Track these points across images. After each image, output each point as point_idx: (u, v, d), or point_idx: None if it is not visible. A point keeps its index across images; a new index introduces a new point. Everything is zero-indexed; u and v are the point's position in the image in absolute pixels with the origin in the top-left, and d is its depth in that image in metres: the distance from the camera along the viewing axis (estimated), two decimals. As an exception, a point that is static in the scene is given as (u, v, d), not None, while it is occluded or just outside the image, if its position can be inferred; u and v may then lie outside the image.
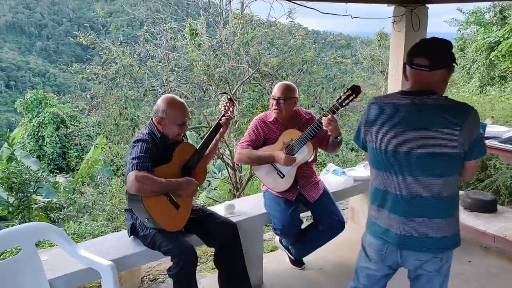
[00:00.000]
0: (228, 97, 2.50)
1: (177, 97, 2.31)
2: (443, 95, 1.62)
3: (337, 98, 2.57)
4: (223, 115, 2.44)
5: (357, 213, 3.63)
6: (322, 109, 2.59)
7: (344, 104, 2.54)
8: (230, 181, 5.65)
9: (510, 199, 4.23)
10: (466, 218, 3.18)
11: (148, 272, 3.17)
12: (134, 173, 2.00)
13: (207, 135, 2.43)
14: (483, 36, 12.31)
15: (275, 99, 2.61)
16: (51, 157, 14.92)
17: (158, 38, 5.21)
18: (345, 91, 2.54)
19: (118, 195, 5.27)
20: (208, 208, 2.58)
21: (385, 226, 1.67)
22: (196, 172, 2.32)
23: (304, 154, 2.61)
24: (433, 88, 1.57)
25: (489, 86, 11.33)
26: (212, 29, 6.32)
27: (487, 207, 3.30)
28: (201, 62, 4.74)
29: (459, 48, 13.73)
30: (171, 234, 2.17)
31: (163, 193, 2.13)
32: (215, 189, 8.27)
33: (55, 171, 12.70)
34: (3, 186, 5.66)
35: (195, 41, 5.42)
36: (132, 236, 2.32)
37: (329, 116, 2.48)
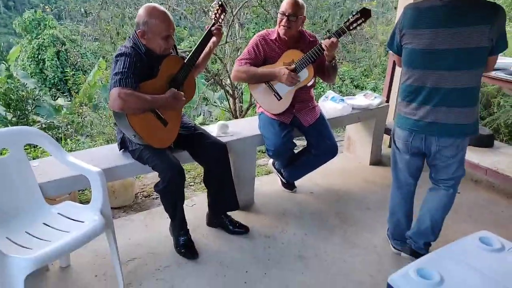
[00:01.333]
0: (219, 2, 2.28)
1: (159, 6, 2.08)
2: None
3: (345, 21, 2.43)
4: (213, 24, 2.26)
5: (353, 142, 3.62)
6: (328, 31, 2.46)
7: (351, 27, 2.41)
8: (229, 109, 5.59)
9: (509, 137, 4.20)
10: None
11: (142, 189, 3.25)
12: (117, 90, 1.88)
13: (196, 46, 2.25)
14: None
15: (285, 15, 2.43)
16: (52, 81, 14.75)
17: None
18: (353, 13, 2.41)
19: (116, 117, 5.25)
20: (200, 127, 2.54)
21: (414, 117, 1.94)
22: (185, 86, 2.20)
23: (304, 77, 2.52)
24: None
25: None
26: None
27: (484, 141, 3.27)
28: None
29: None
30: (158, 150, 2.13)
31: (148, 109, 2.04)
32: (216, 119, 8.27)
33: (57, 96, 12.61)
34: (1, 103, 5.62)
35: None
36: (122, 149, 2.32)
37: (334, 38, 2.35)
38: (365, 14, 2.36)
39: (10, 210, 1.86)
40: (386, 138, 3.76)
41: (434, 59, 1.82)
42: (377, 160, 3.56)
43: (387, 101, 3.51)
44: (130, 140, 2.19)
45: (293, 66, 2.48)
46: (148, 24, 2.01)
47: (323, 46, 2.37)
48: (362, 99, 3.33)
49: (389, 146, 3.84)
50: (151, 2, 4.61)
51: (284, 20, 2.45)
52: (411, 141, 2.01)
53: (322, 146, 2.64)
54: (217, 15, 2.27)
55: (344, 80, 7.63)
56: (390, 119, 3.67)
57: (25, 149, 1.97)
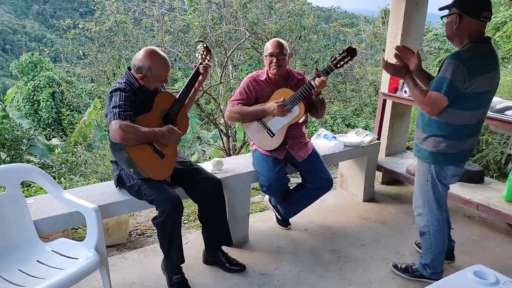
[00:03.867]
0: (204, 45, 2.46)
1: (160, 52, 2.20)
2: None
3: (332, 59, 2.59)
4: (201, 63, 2.40)
5: (346, 179, 3.66)
6: (316, 69, 2.60)
7: (338, 65, 2.58)
8: (223, 148, 5.65)
9: (498, 174, 4.26)
10: (452, 187, 3.19)
11: (136, 227, 3.22)
12: (117, 122, 1.96)
13: (185, 84, 2.39)
14: (489, 16, 11.98)
15: (273, 56, 2.57)
16: (46, 121, 14.85)
17: (154, -3, 5.07)
18: (340, 52, 2.56)
19: (111, 156, 5.28)
20: (195, 163, 2.58)
21: (468, 149, 2.15)
22: (178, 121, 2.30)
23: (295, 114, 2.61)
24: None
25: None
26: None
27: (474, 178, 3.31)
28: (197, 24, 4.65)
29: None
30: (157, 184, 2.17)
31: (146, 142, 2.11)
32: (210, 158, 8.32)
33: (51, 136, 12.63)
34: (-4, 142, 5.65)
35: (192, 3, 5.29)
36: (118, 187, 2.33)
37: (323, 77, 2.48)
38: (351, 52, 2.52)
39: (3, 247, 1.84)
40: (379, 174, 3.81)
41: (489, 97, 2.09)
42: (370, 197, 3.59)
43: (378, 138, 3.60)
44: (127, 176, 2.22)
45: (284, 103, 2.58)
46: (151, 71, 2.12)
47: (313, 84, 2.48)
48: (354, 137, 3.41)
49: (382, 183, 3.89)
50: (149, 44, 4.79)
51: (274, 61, 2.58)
52: (460, 171, 2.23)
53: (317, 180, 2.68)
54: (203, 56, 2.43)
55: (336, 119, 7.80)
56: (381, 156, 3.75)
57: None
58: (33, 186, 3.72)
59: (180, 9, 5.08)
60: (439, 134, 2.11)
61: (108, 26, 4.73)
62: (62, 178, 4.73)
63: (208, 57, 2.45)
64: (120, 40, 4.78)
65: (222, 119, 5.47)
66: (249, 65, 5.57)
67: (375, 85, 6.19)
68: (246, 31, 4.68)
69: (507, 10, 11.80)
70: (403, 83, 3.42)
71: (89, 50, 4.93)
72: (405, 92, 3.34)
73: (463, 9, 1.95)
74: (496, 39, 11.79)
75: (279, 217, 3.00)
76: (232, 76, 5.28)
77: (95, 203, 2.03)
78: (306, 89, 2.52)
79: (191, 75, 2.40)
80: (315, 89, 2.51)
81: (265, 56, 2.64)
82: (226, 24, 4.90)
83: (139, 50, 4.70)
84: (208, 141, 8.76)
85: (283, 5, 5.10)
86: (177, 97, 2.31)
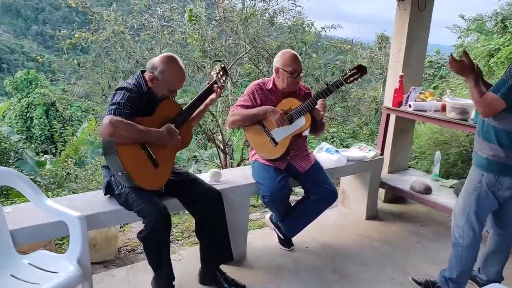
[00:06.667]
0: (222, 65, 2.37)
1: (180, 62, 2.11)
2: None
3: (343, 74, 2.54)
4: (215, 82, 2.30)
5: (347, 196, 3.50)
6: (327, 83, 2.52)
7: (348, 81, 2.51)
8: (220, 165, 5.49)
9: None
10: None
11: (126, 243, 3.02)
12: (109, 117, 1.83)
13: (195, 98, 2.27)
14: (483, 43, 12.23)
15: (297, 73, 2.47)
16: (39, 139, 14.57)
17: (153, 9, 4.98)
18: (351, 68, 2.52)
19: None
20: (193, 174, 2.43)
21: None
22: (182, 132, 2.13)
23: (301, 124, 2.50)
24: None
25: (487, 93, 11.30)
26: (212, 11, 6.11)
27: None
28: (197, 36, 4.56)
29: (459, 55, 13.63)
30: (145, 194, 2.00)
31: (140, 141, 1.96)
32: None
33: (41, 151, 12.35)
34: (-18, 155, 5.43)
35: (192, 19, 5.22)
36: (108, 195, 2.16)
37: (322, 100, 2.44)
38: (361, 70, 2.47)
39: (-26, 258, 1.65)
40: (381, 192, 3.66)
41: None
42: (373, 215, 3.42)
43: (381, 154, 3.46)
44: (116, 183, 2.06)
45: (290, 115, 2.48)
46: (165, 74, 2.03)
47: (318, 106, 2.43)
48: (357, 151, 3.27)
49: (385, 201, 3.73)
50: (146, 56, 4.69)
51: (297, 78, 2.50)
52: None
53: (321, 191, 2.55)
54: (219, 76, 2.33)
55: (334, 140, 7.69)
56: (384, 173, 3.61)
57: None
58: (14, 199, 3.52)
59: (179, 23, 5.02)
60: (496, 142, 2.01)
61: (105, 36, 4.63)
62: (49, 192, 4.52)
63: (224, 78, 2.35)
64: (117, 51, 4.68)
65: (220, 136, 5.33)
66: (248, 81, 5.47)
67: (376, 102, 6.11)
68: (246, 45, 4.60)
69: (500, 38, 12.06)
70: (407, 97, 3.31)
71: (85, 60, 4.82)
72: (410, 106, 3.23)
73: None
74: (491, 65, 11.97)
75: (281, 236, 2.80)
76: (230, 91, 5.17)
77: (81, 212, 1.85)
78: (314, 100, 2.45)
79: (202, 90, 2.30)
80: (321, 112, 2.44)
81: (284, 71, 2.48)
82: (226, 40, 4.83)
83: (136, 61, 4.57)
84: (204, 159, 8.60)
85: (284, 21, 5.07)
86: (183, 108, 2.20)
